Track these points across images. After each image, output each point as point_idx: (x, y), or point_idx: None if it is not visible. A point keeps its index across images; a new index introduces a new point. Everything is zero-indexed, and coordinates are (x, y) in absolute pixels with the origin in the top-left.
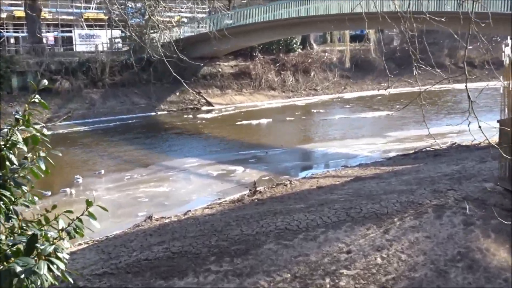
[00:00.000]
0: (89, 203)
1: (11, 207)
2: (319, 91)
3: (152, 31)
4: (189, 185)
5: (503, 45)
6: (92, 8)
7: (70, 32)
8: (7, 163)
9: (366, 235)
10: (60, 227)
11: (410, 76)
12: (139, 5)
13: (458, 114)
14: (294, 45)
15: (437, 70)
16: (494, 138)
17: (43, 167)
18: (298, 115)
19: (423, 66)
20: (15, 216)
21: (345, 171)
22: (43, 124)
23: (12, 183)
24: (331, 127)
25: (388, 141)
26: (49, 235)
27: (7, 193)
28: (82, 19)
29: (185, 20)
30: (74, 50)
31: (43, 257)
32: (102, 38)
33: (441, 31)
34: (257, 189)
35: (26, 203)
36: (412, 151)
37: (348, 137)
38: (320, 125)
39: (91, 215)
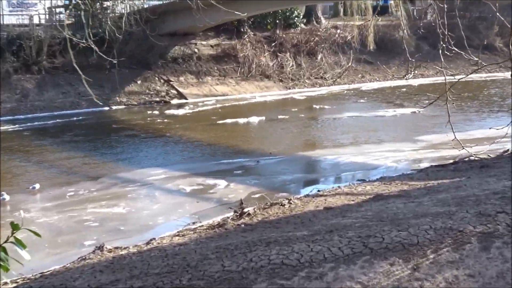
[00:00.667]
0: (15, 227)
1: None
2: (328, 80)
3: None
4: (153, 205)
5: None
6: None
7: None
8: None
9: (390, 273)
10: None
11: (449, 61)
12: None
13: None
14: (296, 18)
15: (468, 53)
16: None
17: None
18: (299, 112)
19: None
20: None
21: (362, 187)
22: None
23: None
24: (343, 128)
25: (418, 148)
26: None
27: None
28: None
29: None
30: (1, 22)
31: None
32: (39, 7)
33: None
34: (245, 210)
35: None
36: (451, 161)
37: (364, 141)
38: (328, 125)
39: (19, 243)
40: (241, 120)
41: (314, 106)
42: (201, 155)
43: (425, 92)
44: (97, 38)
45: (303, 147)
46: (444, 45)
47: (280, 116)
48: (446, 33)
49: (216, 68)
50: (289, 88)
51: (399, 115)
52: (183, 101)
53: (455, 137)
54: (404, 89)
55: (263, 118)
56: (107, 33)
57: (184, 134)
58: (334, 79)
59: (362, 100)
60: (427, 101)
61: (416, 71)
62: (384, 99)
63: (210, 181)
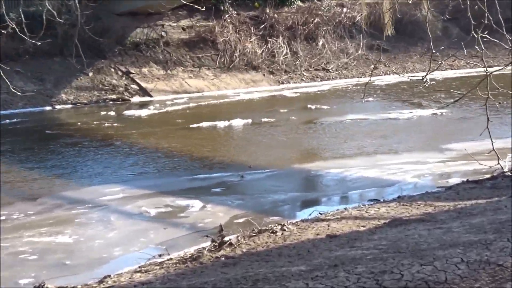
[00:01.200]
0: None
1: None
2: (331, 72)
3: None
4: (108, 232)
5: None
6: None
7: None
8: None
9: None
10: None
11: (485, 49)
12: None
13: None
14: None
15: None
16: None
17: None
18: (294, 114)
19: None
20: None
21: (375, 208)
22: None
23: None
24: (346, 134)
25: (445, 159)
26: None
27: None
28: None
29: None
30: None
31: None
32: None
33: None
34: (226, 239)
35: None
36: (488, 176)
37: (375, 151)
38: (329, 131)
39: None
40: (221, 124)
41: (309, 106)
42: (169, 168)
43: (450, 88)
44: (36, 19)
45: (299, 158)
46: (477, 31)
47: (270, 119)
48: (485, 11)
49: (189, 56)
50: (282, 83)
51: (416, 117)
52: (147, 99)
53: (493, 147)
54: (426, 84)
55: (249, 121)
56: (45, 12)
57: (148, 142)
58: (340, 71)
59: (370, 99)
60: (452, 100)
61: (443, 62)
62: (398, 97)
63: (181, 202)
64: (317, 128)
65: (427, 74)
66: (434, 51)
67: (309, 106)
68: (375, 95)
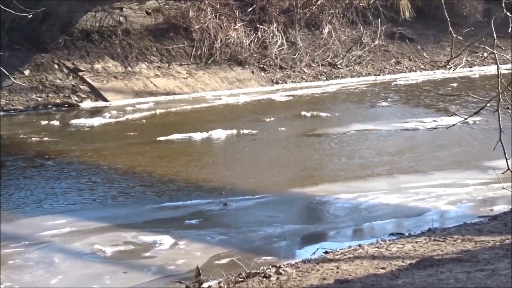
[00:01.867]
0: None
1: None
2: (340, 69)
3: None
4: (51, 278)
5: None
6: None
7: None
8: None
9: None
10: None
11: None
12: None
13: None
14: None
15: None
16: None
17: None
18: (293, 123)
19: None
20: None
21: (398, 245)
22: None
23: None
24: (356, 148)
25: (487, 180)
26: None
27: None
28: None
29: None
30: None
31: None
32: None
33: None
34: (205, 285)
35: None
36: None
37: (396, 170)
38: (337, 144)
39: None
40: (197, 136)
41: (304, 113)
42: (130, 193)
43: (486, 89)
44: None
45: (298, 180)
46: None
47: (260, 130)
48: None
49: (155, 49)
50: (277, 82)
51: (441, 127)
52: (101, 103)
53: (509, 166)
54: (455, 84)
55: (233, 132)
56: None
57: (103, 160)
58: (351, 67)
59: (384, 103)
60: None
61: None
62: (420, 101)
63: (146, 238)
64: (320, 142)
65: (449, 60)
66: (475, 41)
67: (304, 113)
68: (390, 99)
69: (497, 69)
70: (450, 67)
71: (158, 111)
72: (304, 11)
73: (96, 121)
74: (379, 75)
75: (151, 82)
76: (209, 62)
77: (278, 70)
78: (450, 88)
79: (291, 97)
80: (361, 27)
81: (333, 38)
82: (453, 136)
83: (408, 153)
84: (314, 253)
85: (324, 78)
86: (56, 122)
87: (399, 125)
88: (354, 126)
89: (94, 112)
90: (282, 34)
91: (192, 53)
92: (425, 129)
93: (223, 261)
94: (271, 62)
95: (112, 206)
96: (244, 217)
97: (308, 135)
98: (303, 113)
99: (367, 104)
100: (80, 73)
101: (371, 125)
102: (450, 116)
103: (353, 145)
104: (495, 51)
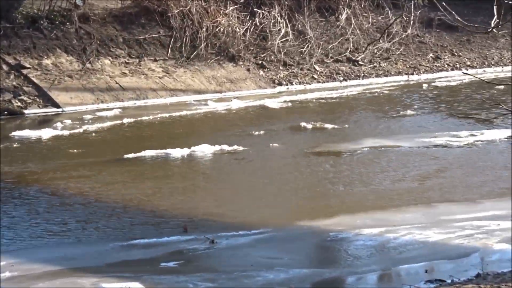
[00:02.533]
0: None
1: None
2: (363, 66)
3: None
4: None
5: None
6: None
7: None
8: None
9: None
10: None
11: None
12: None
13: None
14: None
15: None
16: None
17: None
18: (295, 137)
19: None
20: None
21: None
22: None
23: None
24: (374, 169)
25: None
26: None
27: None
28: None
29: None
30: None
31: None
32: None
33: None
34: None
35: None
36: None
37: (428, 196)
38: (348, 165)
39: None
40: (176, 153)
41: (304, 124)
42: (90, 227)
43: None
44: None
45: (305, 211)
46: None
47: (256, 146)
48: None
49: (122, 39)
50: (280, 83)
51: (481, 143)
52: (51, 110)
53: None
54: (502, 87)
55: (222, 148)
56: None
57: (54, 184)
58: (376, 64)
59: (409, 112)
60: None
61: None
62: (454, 109)
63: (110, 285)
64: (332, 161)
65: (495, 25)
66: None
67: (303, 124)
68: (418, 105)
69: None
70: (491, 30)
71: (125, 121)
72: None
73: (45, 133)
74: (412, 74)
75: (117, 83)
76: (191, 57)
77: (281, 68)
78: (498, 91)
79: (297, 103)
80: (389, 12)
81: (352, 26)
82: (496, 155)
83: (442, 176)
84: None
85: (341, 78)
86: None
87: (426, 141)
88: (367, 142)
89: (43, 122)
90: (287, 21)
91: (170, 45)
92: (460, 146)
93: None
94: (272, 57)
95: (66, 244)
96: (237, 259)
97: (315, 153)
98: (303, 124)
99: (389, 113)
100: (24, 71)
101: (390, 141)
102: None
103: (366, 167)
104: None
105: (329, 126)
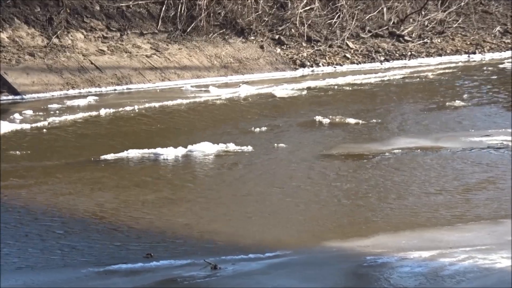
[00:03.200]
0: None
1: None
2: (409, 42)
3: None
4: None
5: None
6: None
7: None
8: None
9: None
10: None
11: None
12: None
13: None
14: None
15: None
16: None
17: None
18: (318, 134)
19: None
20: None
21: None
22: None
23: None
24: (409, 176)
25: None
26: None
27: None
28: None
29: None
30: None
31: None
32: None
33: None
34: None
35: None
36: None
37: (491, 210)
38: (385, 171)
39: None
40: (167, 154)
41: (318, 118)
42: (57, 249)
43: None
44: None
45: (331, 229)
46: None
47: (269, 145)
48: None
49: (99, 8)
50: (303, 64)
51: None
52: (8, 98)
53: None
54: None
55: (227, 147)
56: None
57: (11, 192)
58: (425, 40)
59: (459, 103)
60: None
61: None
62: None
63: None
64: (356, 165)
65: None
66: None
67: (317, 118)
68: (470, 94)
69: None
70: None
71: (103, 112)
72: None
73: (1, 127)
74: (473, 53)
75: (92, 63)
76: (188, 30)
77: (304, 45)
78: None
79: (324, 90)
80: None
81: None
82: None
83: (503, 186)
84: None
85: (382, 58)
86: None
87: (475, 140)
88: (398, 142)
89: None
90: None
91: (161, 16)
92: None
93: None
94: (292, 30)
95: (27, 270)
96: None
97: (332, 156)
98: (317, 118)
99: (433, 103)
100: None
101: (428, 141)
102: None
103: (401, 174)
104: None
105: (352, 120)
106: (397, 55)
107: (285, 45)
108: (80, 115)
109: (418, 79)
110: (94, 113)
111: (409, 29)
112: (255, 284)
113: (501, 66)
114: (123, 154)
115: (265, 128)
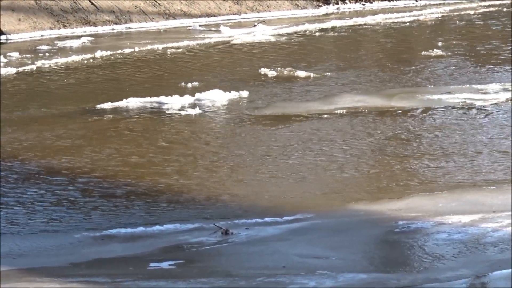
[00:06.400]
0: None
1: None
2: None
3: None
4: None
5: None
6: None
7: None
8: None
9: None
10: None
11: None
12: None
13: None
14: None
15: None
16: None
17: None
18: (337, 85)
19: None
20: None
21: None
22: None
23: None
24: (428, 133)
25: None
26: None
27: None
28: None
29: None
30: None
31: None
32: None
33: None
34: None
35: None
36: None
37: None
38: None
39: None
40: (172, 103)
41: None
42: (43, 211)
43: None
44: None
45: (357, 189)
46: None
47: (288, 95)
48: None
49: None
50: (326, 1)
51: None
52: None
53: None
54: None
55: (241, 96)
56: None
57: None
58: None
59: (435, 51)
60: None
61: None
62: None
63: None
64: (397, 120)
65: None
66: None
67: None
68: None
69: None
70: None
71: (98, 54)
72: None
73: None
74: None
75: None
76: None
77: None
78: None
79: (350, 31)
80: None
81: None
82: None
83: None
84: None
85: None
86: None
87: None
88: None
89: None
90: None
91: None
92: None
93: None
94: None
95: (17, 235)
96: (262, 258)
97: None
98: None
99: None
100: None
101: (378, 99)
102: None
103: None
104: None
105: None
106: None
107: None
108: (72, 58)
109: (458, 17)
110: (88, 55)
111: None
112: (272, 252)
113: None
114: (122, 103)
115: (286, 72)
